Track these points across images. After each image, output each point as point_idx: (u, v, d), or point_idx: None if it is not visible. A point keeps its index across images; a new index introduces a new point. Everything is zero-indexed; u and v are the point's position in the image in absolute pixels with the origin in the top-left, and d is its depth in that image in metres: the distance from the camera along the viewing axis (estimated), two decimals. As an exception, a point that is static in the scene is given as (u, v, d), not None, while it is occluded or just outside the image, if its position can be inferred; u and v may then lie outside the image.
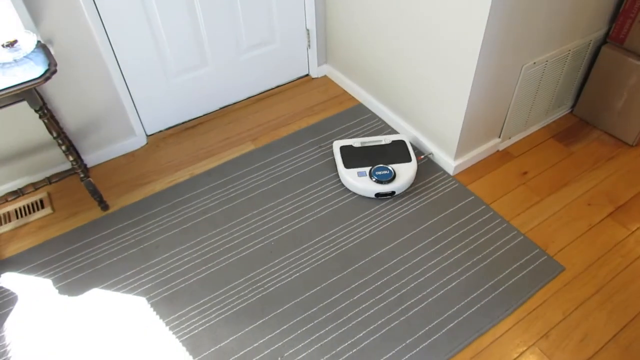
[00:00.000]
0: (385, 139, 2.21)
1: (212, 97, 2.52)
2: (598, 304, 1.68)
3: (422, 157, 2.23)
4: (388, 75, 2.28)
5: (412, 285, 1.74)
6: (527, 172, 2.15)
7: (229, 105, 2.61)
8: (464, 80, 1.85)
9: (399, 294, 1.72)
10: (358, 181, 2.04)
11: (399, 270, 1.79)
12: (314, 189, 2.11)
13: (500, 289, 1.72)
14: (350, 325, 1.64)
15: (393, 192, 2.04)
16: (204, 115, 2.56)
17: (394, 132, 2.37)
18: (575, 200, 2.03)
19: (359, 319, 1.65)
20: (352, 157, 2.14)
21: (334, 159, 2.23)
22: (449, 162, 2.13)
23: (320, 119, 2.49)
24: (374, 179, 2.03)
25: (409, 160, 2.11)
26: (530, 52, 1.93)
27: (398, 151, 2.16)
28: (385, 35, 2.16)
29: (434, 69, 1.98)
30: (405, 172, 2.06)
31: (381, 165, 2.07)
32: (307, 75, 2.80)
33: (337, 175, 2.16)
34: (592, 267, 1.79)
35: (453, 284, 1.74)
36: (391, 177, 2.02)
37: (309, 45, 2.66)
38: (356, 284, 1.76)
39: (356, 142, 2.19)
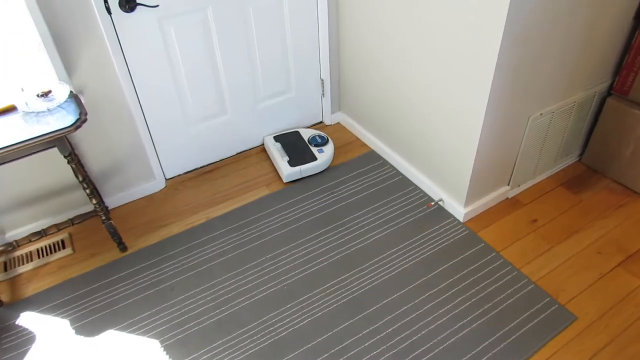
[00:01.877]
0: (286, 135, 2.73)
1: (230, 143, 2.62)
2: (611, 356, 1.66)
3: (433, 203, 2.28)
4: (399, 124, 2.37)
5: (423, 332, 1.75)
6: (536, 220, 2.18)
7: (245, 150, 2.71)
8: (472, 131, 1.92)
9: (409, 341, 1.72)
10: (317, 157, 2.51)
11: (409, 318, 1.80)
12: (325, 234, 2.15)
13: (511, 339, 1.72)
14: (361, 372, 1.64)
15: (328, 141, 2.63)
16: (221, 160, 2.66)
17: (405, 179, 2.43)
18: (585, 249, 2.04)
19: (370, 366, 1.66)
20: (292, 154, 2.52)
21: (344, 204, 2.29)
22: (458, 209, 2.17)
23: (333, 165, 2.56)
24: (316, 147, 2.57)
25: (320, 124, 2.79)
26: (537, 104, 2.01)
27: (304, 133, 2.71)
28: (396, 86, 2.26)
29: (443, 120, 2.05)
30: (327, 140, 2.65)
31: (311, 136, 2.63)
32: (321, 122, 2.91)
33: (350, 221, 2.21)
34: (604, 316, 1.78)
35: (464, 332, 1.75)
36: (326, 138, 2.62)
37: (323, 94, 2.78)
38: (367, 330, 1.77)
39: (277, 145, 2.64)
